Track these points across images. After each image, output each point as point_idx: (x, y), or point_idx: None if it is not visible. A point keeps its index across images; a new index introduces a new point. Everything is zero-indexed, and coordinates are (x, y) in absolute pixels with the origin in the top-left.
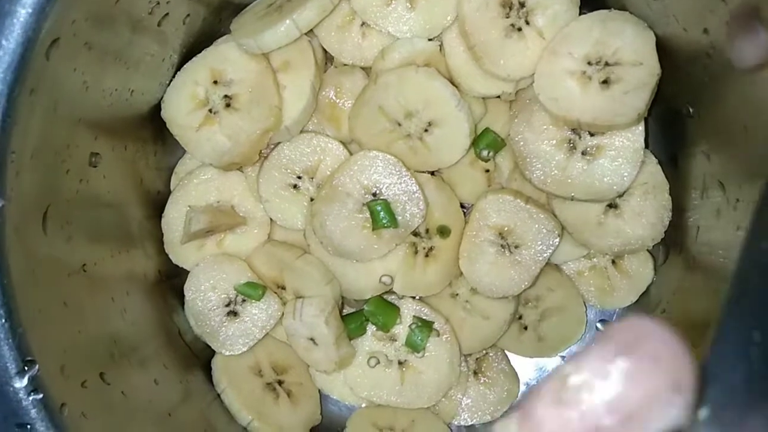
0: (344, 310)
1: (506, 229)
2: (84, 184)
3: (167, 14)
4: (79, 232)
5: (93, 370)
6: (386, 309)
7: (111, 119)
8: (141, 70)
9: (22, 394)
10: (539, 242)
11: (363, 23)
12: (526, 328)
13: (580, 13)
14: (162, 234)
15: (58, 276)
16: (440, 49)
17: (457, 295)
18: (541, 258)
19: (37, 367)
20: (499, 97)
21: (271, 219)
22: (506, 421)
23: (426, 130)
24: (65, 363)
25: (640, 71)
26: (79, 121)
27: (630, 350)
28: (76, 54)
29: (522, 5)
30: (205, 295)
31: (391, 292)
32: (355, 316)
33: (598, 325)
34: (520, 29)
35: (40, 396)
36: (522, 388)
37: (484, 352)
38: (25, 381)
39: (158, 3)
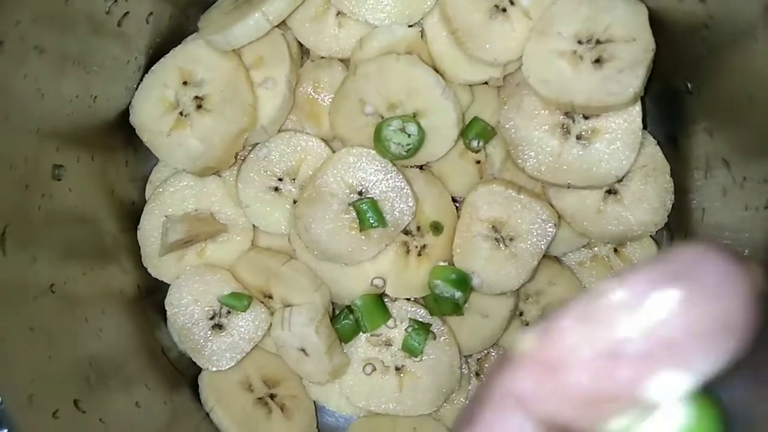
0: None
1: (499, 221)
2: (47, 200)
3: (127, 13)
4: (45, 250)
5: (66, 398)
6: (375, 309)
7: (74, 128)
8: (103, 74)
9: None
10: (535, 233)
11: (339, 12)
12: (528, 324)
13: None
14: (139, 247)
15: (23, 299)
16: (421, 36)
17: None
18: (538, 250)
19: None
20: (486, 83)
21: (253, 225)
22: (528, 332)
23: None
24: (33, 393)
25: (633, 48)
26: (36, 131)
27: (683, 276)
28: (26, 58)
29: None
30: (187, 308)
31: (384, 295)
32: (344, 313)
33: None
34: (504, 10)
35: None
36: None
37: (485, 352)
38: None
39: (116, 1)
